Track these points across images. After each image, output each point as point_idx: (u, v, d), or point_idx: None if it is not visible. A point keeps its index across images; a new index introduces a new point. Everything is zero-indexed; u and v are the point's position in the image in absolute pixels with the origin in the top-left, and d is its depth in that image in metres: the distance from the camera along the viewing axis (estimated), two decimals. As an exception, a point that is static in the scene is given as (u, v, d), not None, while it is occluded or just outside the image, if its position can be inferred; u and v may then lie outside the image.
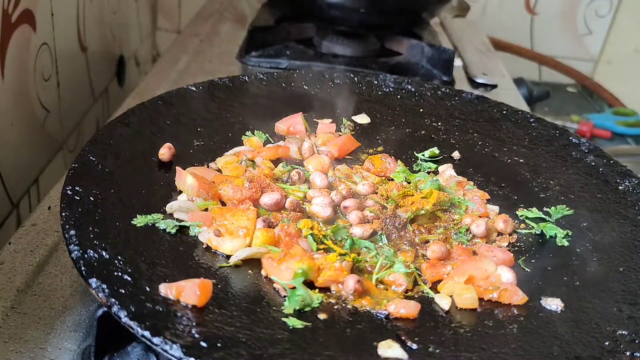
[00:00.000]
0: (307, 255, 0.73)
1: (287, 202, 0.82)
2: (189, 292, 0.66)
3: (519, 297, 0.72)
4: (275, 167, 0.90)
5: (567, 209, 0.86)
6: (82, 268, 0.66)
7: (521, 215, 0.87)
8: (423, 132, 1.04)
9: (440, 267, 0.75)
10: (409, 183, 0.90)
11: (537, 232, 0.84)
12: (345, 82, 1.13)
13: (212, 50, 1.50)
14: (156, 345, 0.60)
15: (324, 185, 0.87)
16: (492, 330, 0.68)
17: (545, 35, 2.10)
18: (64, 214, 0.73)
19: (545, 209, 0.87)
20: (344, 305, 0.70)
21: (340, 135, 1.00)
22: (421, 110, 1.09)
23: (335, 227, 0.79)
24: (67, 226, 0.71)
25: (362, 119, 1.05)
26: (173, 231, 0.76)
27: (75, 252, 0.68)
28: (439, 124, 1.05)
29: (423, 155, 0.98)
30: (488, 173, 0.95)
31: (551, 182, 0.93)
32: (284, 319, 0.66)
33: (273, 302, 0.69)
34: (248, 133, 0.97)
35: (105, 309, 0.64)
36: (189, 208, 0.79)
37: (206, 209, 0.80)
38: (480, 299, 0.72)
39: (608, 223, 0.85)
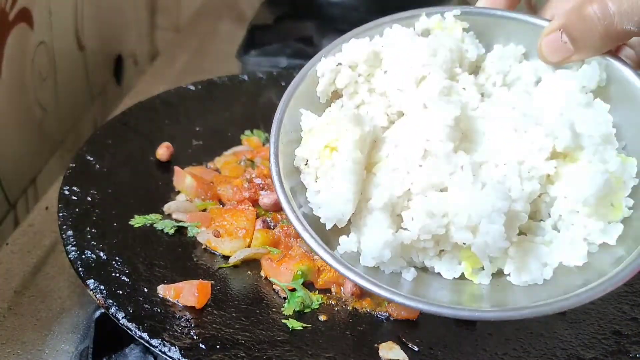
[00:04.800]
0: (306, 256, 0.72)
1: (287, 202, 0.81)
2: (187, 293, 0.65)
3: (521, 298, 0.71)
4: (275, 166, 0.89)
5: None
6: (80, 269, 0.66)
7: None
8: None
9: (441, 268, 0.75)
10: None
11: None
12: (345, 81, 1.12)
13: (211, 49, 1.50)
14: (154, 347, 0.60)
15: (324, 185, 0.87)
16: (494, 332, 0.68)
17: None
18: (61, 214, 0.72)
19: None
20: (344, 306, 0.70)
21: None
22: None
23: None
24: (64, 227, 0.71)
25: (362, 118, 1.04)
26: (171, 232, 0.75)
27: (73, 253, 0.68)
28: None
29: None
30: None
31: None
32: (283, 321, 0.66)
33: (272, 303, 0.69)
34: (247, 133, 0.96)
35: (103, 310, 0.64)
36: (187, 208, 0.79)
37: (205, 210, 0.79)
38: (482, 300, 0.72)
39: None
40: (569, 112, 0.58)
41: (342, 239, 0.59)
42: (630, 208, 0.57)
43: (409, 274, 0.59)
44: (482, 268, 0.58)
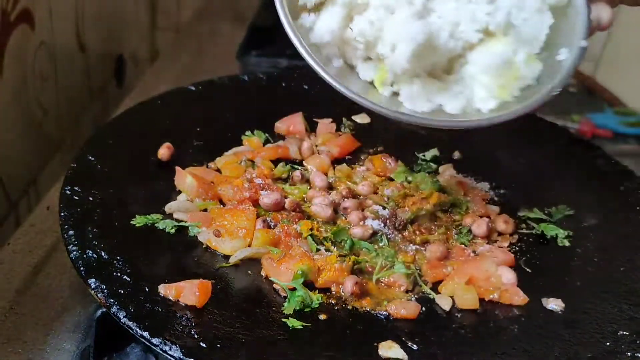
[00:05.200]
0: (306, 256, 0.72)
1: (287, 202, 0.82)
2: (188, 292, 0.66)
3: (520, 298, 0.72)
4: (275, 167, 0.90)
5: (568, 209, 0.86)
6: (81, 268, 0.66)
7: (522, 216, 0.86)
8: (423, 132, 1.03)
9: (440, 268, 0.75)
10: (409, 183, 0.90)
11: (538, 233, 0.84)
12: (345, 82, 1.12)
13: (212, 49, 1.50)
14: (155, 346, 0.60)
15: (324, 185, 0.87)
16: (493, 331, 0.68)
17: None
18: (62, 214, 0.73)
19: (546, 209, 0.87)
20: (344, 305, 0.70)
21: (340, 135, 1.00)
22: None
23: (336, 229, 0.79)
24: (65, 226, 0.71)
25: (362, 118, 1.04)
26: (172, 231, 0.76)
27: (74, 253, 0.68)
28: (439, 123, 1.05)
29: (424, 156, 0.98)
30: (488, 173, 0.95)
31: (552, 182, 0.93)
32: (283, 320, 0.66)
33: (273, 302, 0.69)
34: (248, 133, 0.97)
35: (104, 309, 0.64)
36: (188, 208, 0.79)
37: (205, 209, 0.80)
38: (481, 300, 0.72)
39: (609, 223, 0.84)
40: (519, 8, 0.66)
41: (304, 14, 0.69)
42: (514, 97, 0.66)
43: (337, 62, 0.69)
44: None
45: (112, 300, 0.63)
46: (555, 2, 0.68)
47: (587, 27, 0.68)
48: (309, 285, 0.71)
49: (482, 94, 0.67)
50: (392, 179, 0.91)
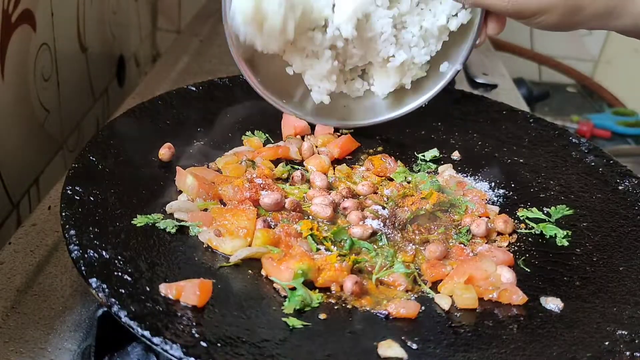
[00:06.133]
0: (306, 255, 0.73)
1: (287, 202, 0.82)
2: (188, 292, 0.66)
3: (519, 297, 0.72)
4: (276, 167, 0.90)
5: (567, 209, 0.86)
6: (82, 268, 0.67)
7: (521, 216, 0.87)
8: (423, 132, 1.04)
9: (440, 267, 0.75)
10: (409, 183, 0.90)
11: (537, 232, 0.84)
12: (345, 82, 1.13)
13: (212, 50, 1.50)
14: (156, 345, 0.60)
15: (324, 185, 0.87)
16: (492, 330, 0.68)
17: (545, 35, 2.09)
18: (64, 213, 0.73)
19: (545, 209, 0.87)
20: (344, 305, 0.70)
21: (340, 135, 1.00)
22: (421, 110, 1.09)
23: (336, 229, 0.79)
24: (67, 226, 0.71)
25: (362, 119, 1.05)
26: (173, 231, 0.76)
27: (76, 252, 0.68)
28: (439, 124, 1.05)
29: (423, 156, 0.98)
30: (488, 173, 0.95)
31: (551, 182, 0.93)
32: (284, 319, 0.66)
33: (273, 302, 0.69)
34: (248, 133, 0.97)
35: (105, 309, 0.65)
36: (188, 208, 0.80)
37: (206, 209, 0.80)
38: (480, 299, 0.72)
39: (608, 223, 0.85)
40: (425, 39, 0.90)
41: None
42: (404, 87, 0.97)
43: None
44: None
45: (113, 300, 0.63)
46: (455, 28, 0.89)
47: (470, 48, 0.88)
48: (309, 284, 0.71)
49: (378, 88, 0.97)
50: (391, 179, 0.92)
